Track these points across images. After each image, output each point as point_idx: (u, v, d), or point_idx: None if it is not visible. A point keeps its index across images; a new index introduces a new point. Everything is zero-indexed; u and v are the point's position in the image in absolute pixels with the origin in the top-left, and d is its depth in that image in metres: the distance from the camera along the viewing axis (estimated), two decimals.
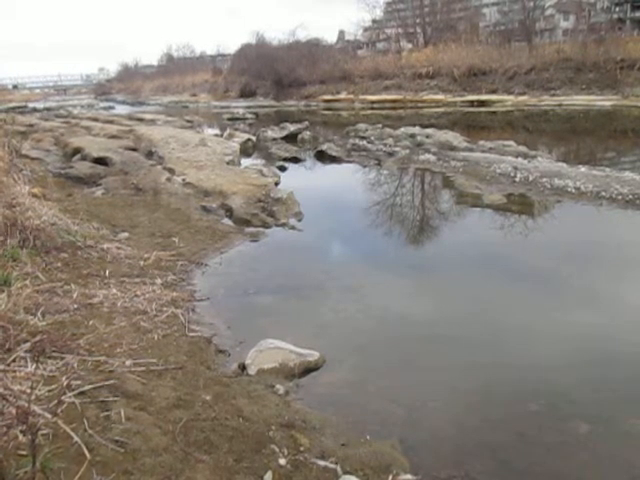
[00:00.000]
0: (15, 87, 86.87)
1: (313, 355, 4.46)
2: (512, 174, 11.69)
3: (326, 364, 4.48)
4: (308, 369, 4.39)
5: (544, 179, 11.01)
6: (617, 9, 50.86)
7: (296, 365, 4.35)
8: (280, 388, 4.05)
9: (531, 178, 11.24)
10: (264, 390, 4.00)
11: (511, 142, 15.26)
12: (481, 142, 15.73)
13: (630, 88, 30.94)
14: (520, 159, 13.04)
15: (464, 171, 12.64)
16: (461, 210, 10.20)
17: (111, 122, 25.52)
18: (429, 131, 17.63)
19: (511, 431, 3.74)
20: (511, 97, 34.33)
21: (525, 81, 36.05)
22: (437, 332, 5.19)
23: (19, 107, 45.67)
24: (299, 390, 4.13)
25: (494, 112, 30.62)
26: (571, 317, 5.38)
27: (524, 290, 6.25)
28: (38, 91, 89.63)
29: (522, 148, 14.56)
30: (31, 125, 23.77)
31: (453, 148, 15.28)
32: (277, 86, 46.23)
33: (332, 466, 3.15)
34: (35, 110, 43.08)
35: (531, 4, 42.94)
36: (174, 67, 73.86)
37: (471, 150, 14.89)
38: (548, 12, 51.84)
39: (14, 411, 2.96)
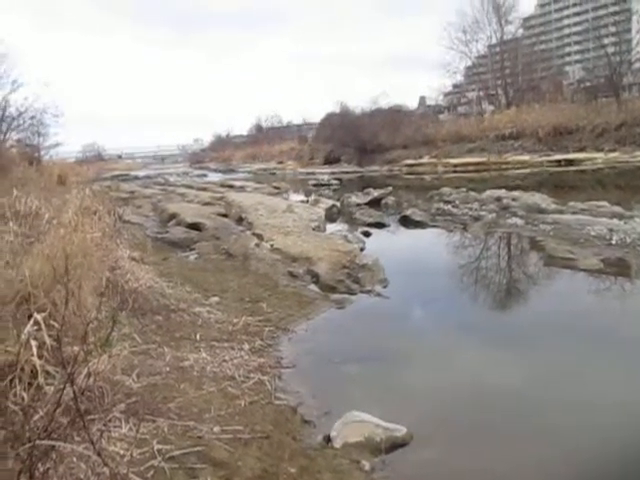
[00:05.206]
0: (120, 157, 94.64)
1: (400, 430, 4.30)
2: (607, 236, 11.10)
3: (414, 440, 4.29)
4: (395, 445, 4.23)
5: None
6: None
7: (382, 440, 4.20)
8: (366, 464, 3.92)
9: (629, 240, 10.62)
10: (349, 465, 3.89)
11: (604, 202, 14.58)
12: (571, 203, 15.13)
13: None
14: (615, 220, 12.38)
15: (555, 234, 12.13)
16: (553, 275, 9.74)
17: (204, 189, 27.11)
18: (515, 194, 17.22)
19: None
20: (601, 154, 32.98)
21: (615, 137, 34.62)
22: (534, 406, 4.85)
23: (122, 175, 49.64)
24: (385, 467, 3.97)
25: (583, 171, 29.48)
26: None
27: (627, 363, 5.76)
28: (139, 160, 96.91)
29: (617, 208, 13.85)
30: (132, 192, 25.79)
31: (541, 211, 14.78)
32: (360, 152, 47.16)
33: None
34: (136, 178, 46.74)
35: (617, 59, 41.89)
36: (263, 136, 78.03)
37: (561, 212, 14.33)
38: (636, 65, 50.20)
39: (107, 472, 3.06)
